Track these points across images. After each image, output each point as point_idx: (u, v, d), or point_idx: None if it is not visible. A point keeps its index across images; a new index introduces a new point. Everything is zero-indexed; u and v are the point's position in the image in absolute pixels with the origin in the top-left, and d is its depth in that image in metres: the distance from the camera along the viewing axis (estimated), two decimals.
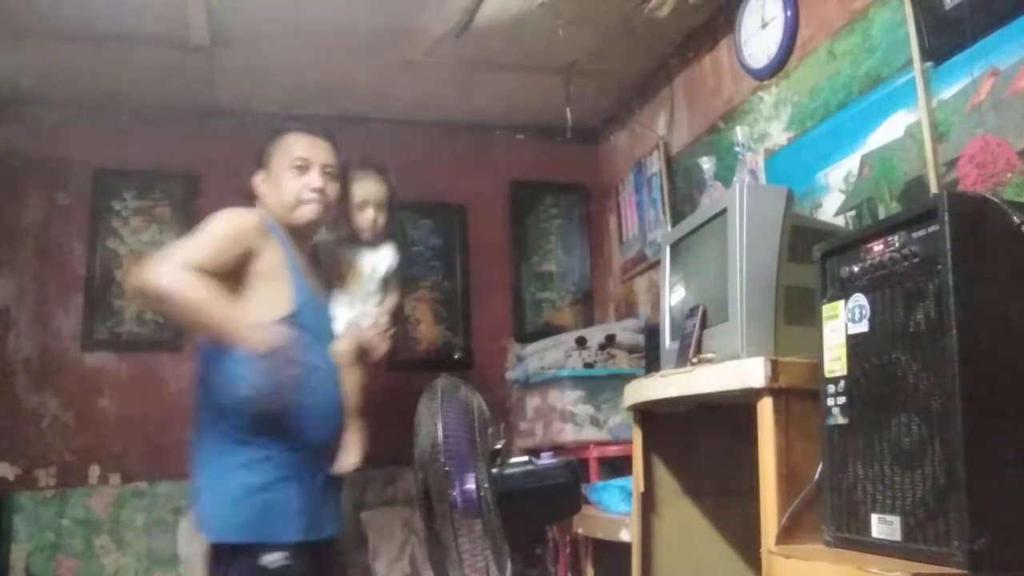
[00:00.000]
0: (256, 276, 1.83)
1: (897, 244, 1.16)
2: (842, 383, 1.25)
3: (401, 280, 2.24)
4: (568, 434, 2.80)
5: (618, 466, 2.71)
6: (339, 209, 2.13)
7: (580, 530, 2.55)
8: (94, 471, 3.20)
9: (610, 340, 2.97)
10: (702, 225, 1.77)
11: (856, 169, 2.08)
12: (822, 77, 2.23)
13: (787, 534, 1.31)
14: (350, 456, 2.02)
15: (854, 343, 1.23)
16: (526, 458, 1.75)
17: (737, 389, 1.42)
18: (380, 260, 2.28)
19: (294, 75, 3.22)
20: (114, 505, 3.19)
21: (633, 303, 3.46)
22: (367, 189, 2.22)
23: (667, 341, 1.89)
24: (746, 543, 1.68)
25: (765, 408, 1.37)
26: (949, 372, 1.04)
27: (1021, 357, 1.06)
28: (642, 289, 3.40)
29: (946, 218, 1.07)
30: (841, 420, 1.25)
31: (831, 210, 2.16)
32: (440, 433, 1.57)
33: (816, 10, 2.26)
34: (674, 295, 1.91)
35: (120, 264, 3.35)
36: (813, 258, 1.34)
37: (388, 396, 2.34)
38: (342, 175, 2.09)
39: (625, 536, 2.14)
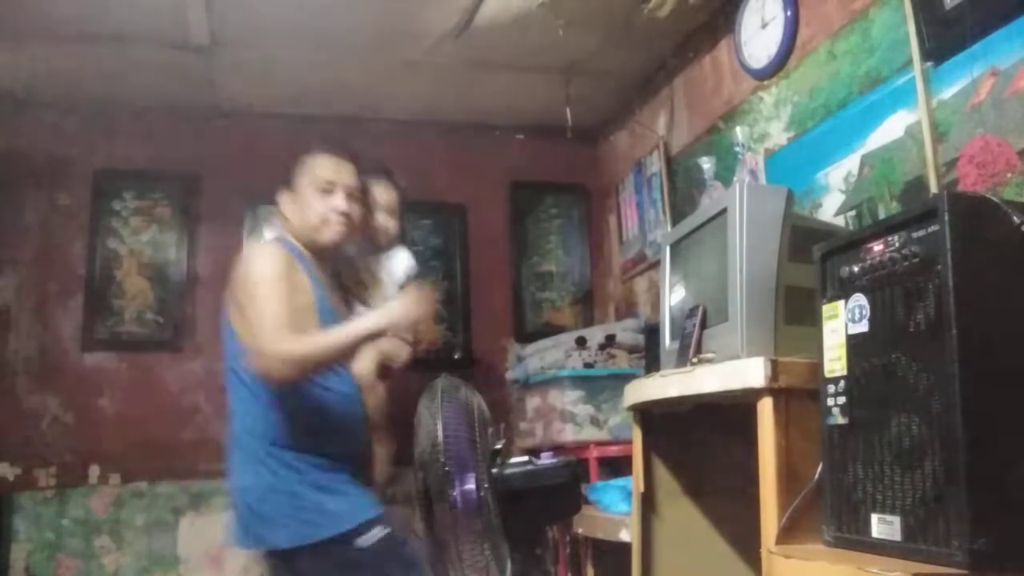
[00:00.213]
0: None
1: (897, 244, 1.16)
2: (842, 383, 1.25)
3: (420, 283, 2.24)
4: (568, 434, 2.80)
5: (618, 466, 2.72)
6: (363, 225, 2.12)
7: (580, 530, 2.55)
8: (94, 471, 3.20)
9: (610, 340, 2.97)
10: (702, 225, 1.77)
11: (856, 169, 2.08)
12: (822, 77, 2.23)
13: (787, 534, 1.31)
14: (378, 470, 2.02)
15: (854, 343, 1.23)
16: (526, 458, 1.75)
17: (737, 389, 1.42)
18: (396, 265, 2.29)
19: (294, 75, 3.22)
20: (114, 505, 3.19)
21: (633, 303, 3.46)
22: (379, 194, 2.23)
23: (667, 341, 1.89)
24: (746, 543, 1.67)
25: (765, 408, 1.37)
26: (949, 372, 1.04)
27: (1021, 357, 1.06)
28: (642, 289, 3.40)
29: (946, 218, 1.07)
30: (841, 420, 1.25)
31: (831, 210, 2.16)
32: (440, 433, 1.58)
33: (816, 10, 2.26)
34: (674, 295, 1.91)
35: (120, 264, 3.36)
36: (813, 258, 1.34)
37: (388, 396, 2.34)
38: (365, 195, 2.10)
39: (625, 536, 2.14)
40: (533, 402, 3.08)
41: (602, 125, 3.76)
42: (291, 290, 1.78)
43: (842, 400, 1.25)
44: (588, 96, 3.38)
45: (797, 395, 1.36)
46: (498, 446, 1.69)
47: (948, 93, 1.79)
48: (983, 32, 1.68)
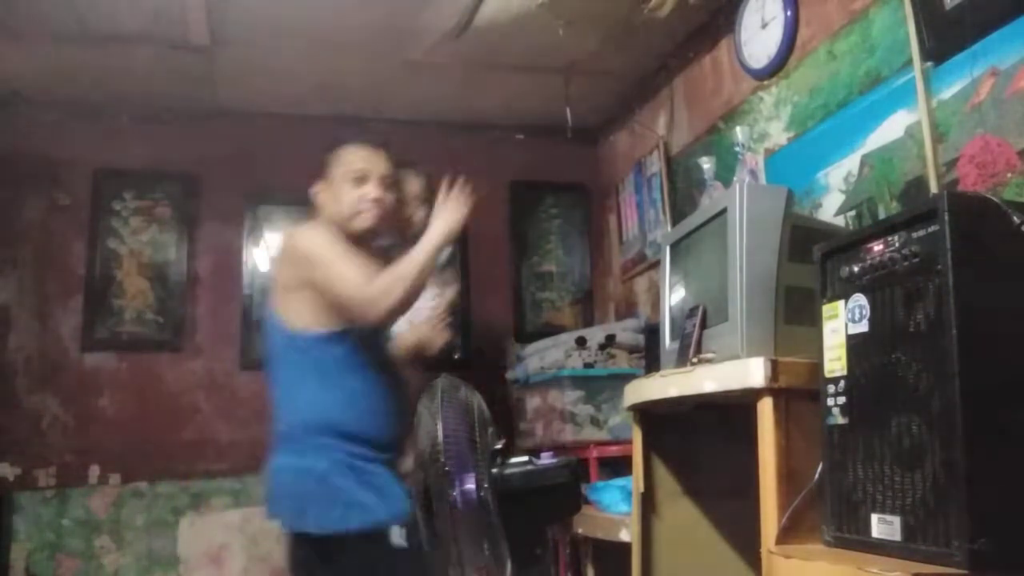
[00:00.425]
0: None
1: (897, 244, 1.16)
2: (842, 383, 1.25)
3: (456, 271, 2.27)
4: (568, 434, 2.80)
5: (618, 466, 2.71)
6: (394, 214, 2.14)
7: (580, 530, 2.55)
8: (94, 471, 3.20)
9: (610, 340, 2.97)
10: (702, 225, 1.77)
11: (856, 169, 2.08)
12: (822, 77, 2.23)
13: (787, 534, 1.31)
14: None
15: (854, 343, 1.23)
16: (526, 458, 1.74)
17: (737, 389, 1.42)
18: None
19: (294, 75, 3.22)
20: (114, 505, 3.19)
21: (633, 303, 3.46)
22: (409, 186, 2.25)
23: (667, 341, 1.89)
24: (746, 543, 1.67)
25: (765, 408, 1.37)
26: (949, 372, 1.04)
27: (1021, 357, 1.06)
28: (642, 289, 3.40)
29: (946, 218, 1.07)
30: (841, 420, 1.25)
31: (831, 210, 2.16)
32: (440, 433, 1.57)
33: (816, 10, 2.26)
34: (674, 295, 1.91)
35: (120, 264, 3.36)
36: (813, 258, 1.34)
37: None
38: (398, 184, 2.12)
39: (625, 536, 2.13)
40: (533, 402, 3.08)
41: (602, 125, 3.76)
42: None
43: (842, 400, 1.25)
44: (588, 96, 3.38)
45: (797, 395, 1.36)
46: (498, 446, 1.69)
47: (948, 93, 1.79)
48: (983, 32, 1.68)
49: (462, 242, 3.67)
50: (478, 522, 1.59)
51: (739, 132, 2.36)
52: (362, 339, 1.86)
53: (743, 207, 1.56)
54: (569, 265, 3.83)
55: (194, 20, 2.76)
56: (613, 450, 2.76)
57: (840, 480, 1.23)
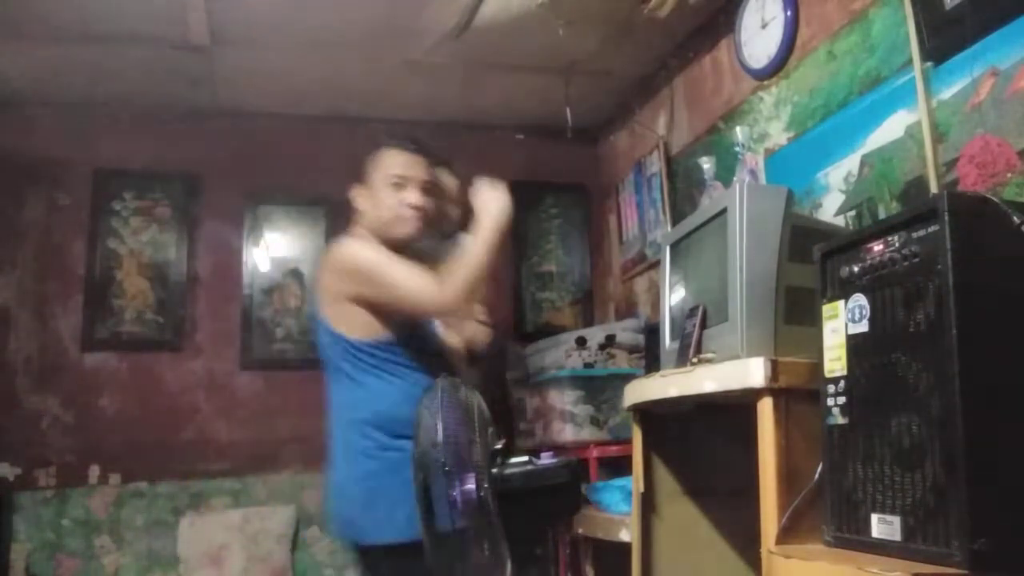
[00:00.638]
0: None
1: (897, 244, 1.16)
2: (842, 383, 1.25)
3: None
4: (568, 434, 2.80)
5: (618, 466, 2.71)
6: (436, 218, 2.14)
7: (580, 530, 2.55)
8: (94, 471, 3.20)
9: (610, 340, 2.97)
10: (702, 225, 1.77)
11: (856, 169, 2.08)
12: (822, 77, 2.23)
13: (787, 534, 1.31)
14: None
15: (854, 343, 1.23)
16: (526, 458, 1.74)
17: (737, 389, 1.42)
18: (461, 250, 2.30)
19: (294, 75, 3.22)
20: (114, 505, 3.19)
21: (633, 303, 3.46)
22: (444, 185, 2.25)
23: (667, 341, 1.89)
24: (746, 543, 1.68)
25: (765, 408, 1.36)
26: (949, 372, 1.04)
27: (1021, 357, 1.06)
28: (642, 289, 3.40)
29: (946, 218, 1.07)
30: (841, 420, 1.25)
31: (831, 210, 2.16)
32: (440, 433, 1.57)
33: (816, 10, 2.26)
34: (674, 295, 1.91)
35: (120, 264, 3.36)
36: (813, 258, 1.34)
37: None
38: (438, 188, 2.13)
39: (625, 536, 2.14)
40: (533, 402, 3.08)
41: (602, 125, 3.76)
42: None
43: (842, 400, 1.25)
44: (588, 96, 3.38)
45: (797, 395, 1.36)
46: (498, 446, 1.69)
47: (948, 93, 1.78)
48: (983, 32, 1.68)
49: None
50: (478, 522, 1.59)
51: (739, 132, 2.37)
52: (414, 341, 1.86)
53: (743, 207, 1.56)
54: (569, 265, 3.83)
55: (194, 20, 2.76)
56: (613, 450, 2.76)
57: (840, 480, 1.23)
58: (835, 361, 1.27)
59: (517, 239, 3.75)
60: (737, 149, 2.49)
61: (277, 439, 3.40)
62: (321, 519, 3.39)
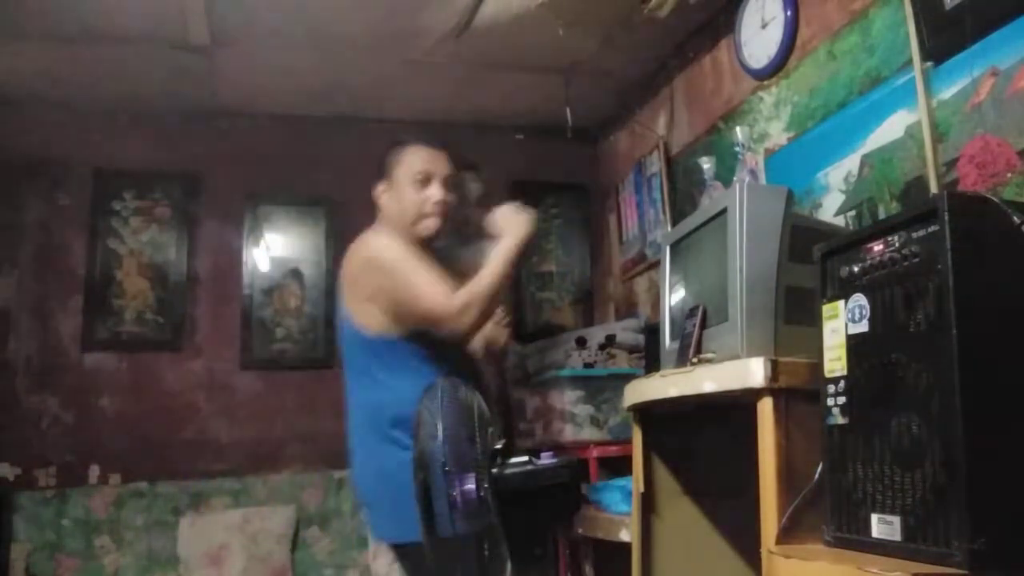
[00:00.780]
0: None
1: (897, 244, 1.16)
2: (842, 383, 1.25)
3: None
4: (568, 434, 2.80)
5: (618, 466, 2.71)
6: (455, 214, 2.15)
7: (580, 530, 2.55)
8: (94, 471, 3.20)
9: (610, 340, 2.97)
10: (702, 225, 1.77)
11: (856, 169, 2.08)
12: (822, 77, 2.23)
13: (787, 534, 1.31)
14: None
15: (854, 343, 1.23)
16: (526, 458, 1.74)
17: (737, 389, 1.42)
18: (483, 257, 2.31)
19: (294, 75, 3.22)
20: (114, 505, 3.19)
21: (633, 303, 3.46)
22: (468, 187, 2.26)
23: (667, 341, 1.89)
24: (746, 543, 1.67)
25: (765, 408, 1.36)
26: (949, 372, 1.04)
27: (1021, 357, 1.06)
28: (642, 289, 3.40)
29: (946, 218, 1.07)
30: (841, 420, 1.25)
31: (831, 210, 2.16)
32: (440, 433, 1.57)
33: (816, 10, 2.26)
34: (674, 295, 1.91)
35: (120, 264, 3.36)
36: (813, 258, 1.34)
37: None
38: (459, 185, 2.12)
39: (625, 536, 2.14)
40: (533, 402, 3.08)
41: (602, 125, 3.76)
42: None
43: (842, 400, 1.25)
44: (588, 96, 3.38)
45: (797, 395, 1.36)
46: (498, 446, 1.68)
47: (948, 93, 1.78)
48: (983, 32, 1.68)
49: None
50: (478, 522, 1.59)
51: (739, 132, 2.36)
52: (436, 339, 1.85)
53: (743, 207, 1.56)
54: (569, 265, 3.83)
55: (194, 20, 2.76)
56: (613, 450, 2.76)
57: (840, 480, 1.23)
58: (835, 361, 1.27)
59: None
60: (737, 149, 2.49)
61: (277, 439, 3.40)
62: (321, 519, 3.39)
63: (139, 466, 3.23)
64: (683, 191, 3.06)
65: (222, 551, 3.21)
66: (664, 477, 1.93)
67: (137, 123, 3.43)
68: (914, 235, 1.13)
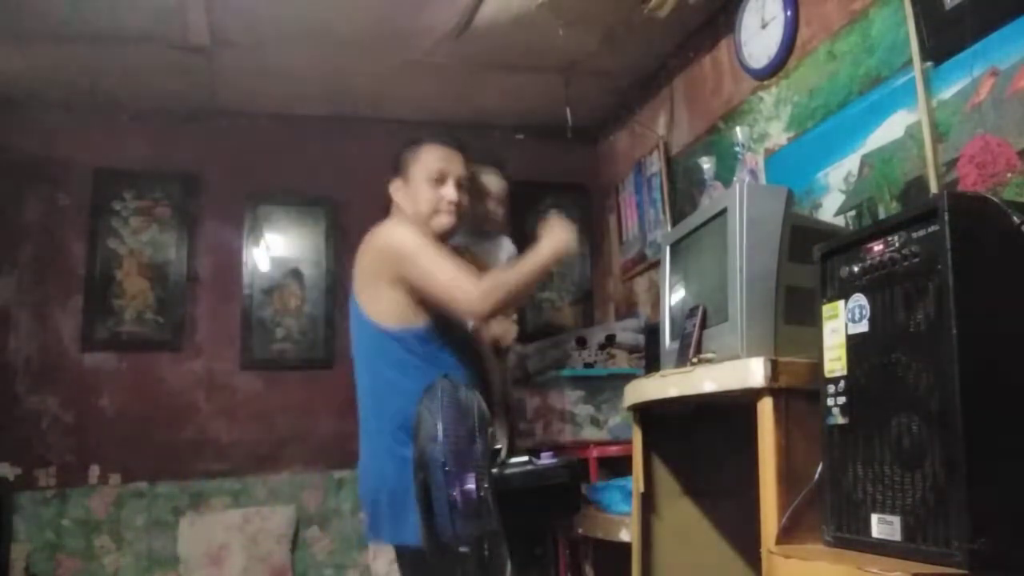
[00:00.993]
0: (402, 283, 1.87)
1: (897, 244, 1.16)
2: (842, 383, 1.25)
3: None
4: (568, 434, 2.80)
5: (618, 466, 2.71)
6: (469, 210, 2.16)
7: (580, 530, 2.55)
8: (94, 471, 3.20)
9: (610, 340, 2.97)
10: (702, 225, 1.77)
11: (856, 169, 2.08)
12: (822, 77, 2.23)
13: (787, 534, 1.31)
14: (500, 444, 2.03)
15: (854, 343, 1.23)
16: (526, 458, 1.74)
17: (737, 389, 1.42)
18: (501, 252, 2.31)
19: (294, 75, 3.22)
20: (114, 505, 3.19)
21: (633, 303, 3.46)
22: (490, 183, 2.28)
23: (667, 341, 1.89)
24: (746, 543, 1.67)
25: (765, 408, 1.36)
26: (949, 372, 1.04)
27: (1021, 357, 1.06)
28: (642, 289, 3.40)
29: (946, 218, 1.07)
30: (841, 420, 1.25)
31: (831, 210, 2.16)
32: (440, 433, 1.57)
33: (816, 10, 2.26)
34: (674, 295, 1.91)
35: (120, 264, 3.36)
36: (813, 258, 1.34)
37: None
38: (473, 184, 2.15)
39: (625, 536, 2.14)
40: (533, 402, 3.08)
41: (602, 125, 3.76)
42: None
43: (842, 400, 1.25)
44: (588, 96, 3.38)
45: (797, 395, 1.36)
46: (498, 446, 1.69)
47: (948, 93, 1.78)
48: (983, 32, 1.68)
49: None
50: (478, 522, 1.59)
51: (739, 132, 2.37)
52: (447, 332, 1.86)
53: (743, 207, 1.56)
54: (569, 265, 3.82)
55: (194, 20, 2.76)
56: (613, 450, 2.76)
57: (840, 480, 1.23)
58: (835, 361, 1.27)
59: (517, 239, 3.75)
60: (737, 149, 2.49)
61: (277, 439, 3.40)
62: (321, 519, 3.39)
63: (139, 466, 3.23)
64: (683, 191, 3.06)
65: (222, 551, 3.21)
66: (664, 477, 1.93)
67: (137, 123, 3.43)
68: (914, 235, 1.13)
